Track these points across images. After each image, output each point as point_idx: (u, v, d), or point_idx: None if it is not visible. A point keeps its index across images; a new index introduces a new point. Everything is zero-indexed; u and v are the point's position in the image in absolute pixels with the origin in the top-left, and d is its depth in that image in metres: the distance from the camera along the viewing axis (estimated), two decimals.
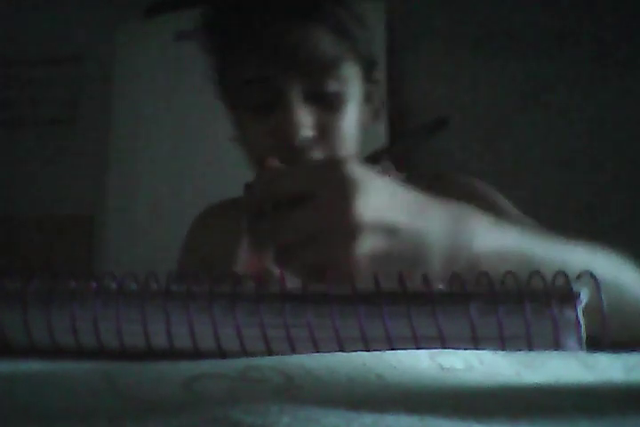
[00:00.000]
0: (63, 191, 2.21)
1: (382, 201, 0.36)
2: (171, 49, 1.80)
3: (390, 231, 0.36)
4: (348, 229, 0.34)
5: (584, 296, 0.30)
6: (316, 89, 0.62)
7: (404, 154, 1.81)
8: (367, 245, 0.35)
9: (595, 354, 0.29)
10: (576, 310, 0.30)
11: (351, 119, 0.65)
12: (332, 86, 0.62)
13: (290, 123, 0.60)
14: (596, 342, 0.30)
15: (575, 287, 0.30)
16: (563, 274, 0.32)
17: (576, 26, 1.95)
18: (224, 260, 0.72)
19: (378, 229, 0.35)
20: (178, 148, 1.80)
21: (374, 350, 0.28)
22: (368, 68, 0.69)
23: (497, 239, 0.39)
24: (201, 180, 1.69)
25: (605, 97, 1.92)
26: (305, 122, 0.61)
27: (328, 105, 0.63)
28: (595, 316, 0.30)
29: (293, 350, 0.30)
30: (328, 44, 0.62)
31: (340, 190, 0.35)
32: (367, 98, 0.70)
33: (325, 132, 0.62)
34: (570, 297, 0.30)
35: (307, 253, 0.35)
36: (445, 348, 0.29)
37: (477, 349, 0.29)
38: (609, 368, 0.27)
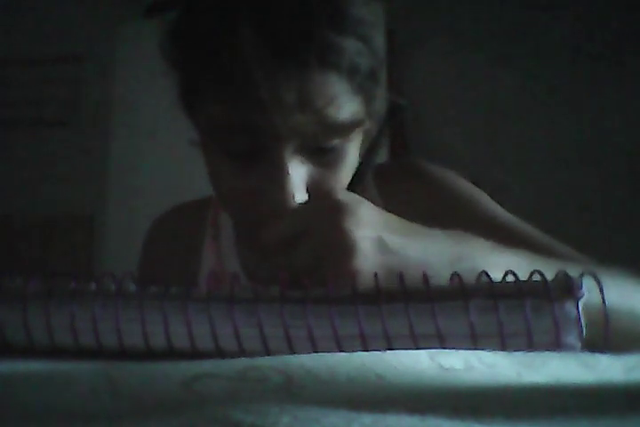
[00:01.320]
0: (63, 191, 2.21)
1: (373, 223, 0.37)
2: None
3: (384, 250, 0.36)
4: (344, 244, 0.35)
5: (584, 291, 0.30)
6: (313, 145, 0.48)
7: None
8: (366, 261, 0.35)
9: (595, 354, 0.29)
10: (577, 304, 0.30)
11: (348, 174, 0.52)
12: (335, 143, 0.48)
13: (281, 189, 0.46)
14: (598, 346, 0.30)
15: (575, 282, 0.30)
16: (563, 272, 0.32)
17: (576, 26, 1.95)
18: (185, 262, 0.71)
19: (372, 249, 0.36)
20: (178, 148, 1.80)
21: (373, 349, 0.28)
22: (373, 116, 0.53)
23: (498, 265, 0.36)
24: (201, 180, 1.68)
25: (605, 97, 1.92)
26: (299, 185, 0.47)
27: (326, 162, 0.49)
28: (596, 319, 0.30)
29: (292, 350, 0.30)
30: (345, 102, 0.47)
31: (334, 215, 0.37)
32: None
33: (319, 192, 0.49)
34: (570, 292, 0.30)
35: (315, 276, 0.36)
36: (445, 346, 0.29)
37: (477, 346, 0.29)
38: (609, 368, 0.27)
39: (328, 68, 0.45)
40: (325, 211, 0.38)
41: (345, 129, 0.48)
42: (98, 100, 2.16)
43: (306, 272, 0.37)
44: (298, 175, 0.47)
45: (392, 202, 0.53)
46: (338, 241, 0.36)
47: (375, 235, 0.37)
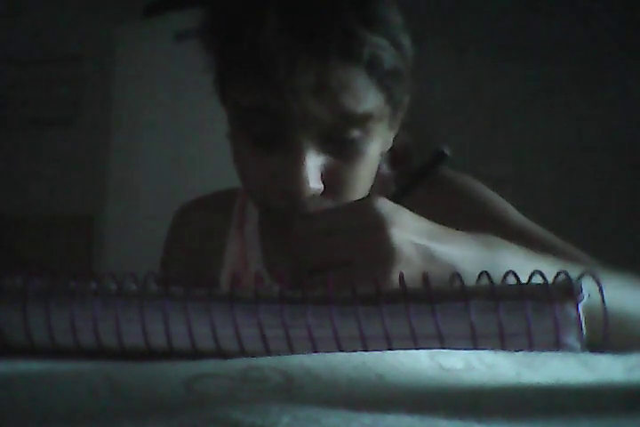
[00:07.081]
0: (63, 191, 2.21)
1: (414, 231, 0.37)
2: (171, 49, 1.80)
3: (425, 257, 0.37)
4: (385, 258, 0.36)
5: (585, 293, 0.30)
6: (332, 136, 0.49)
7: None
8: (408, 268, 0.36)
9: (595, 354, 0.29)
10: (577, 306, 0.30)
11: (367, 170, 0.53)
12: (354, 135, 0.49)
13: (296, 174, 0.48)
14: (597, 346, 0.30)
15: (576, 284, 0.30)
16: (563, 273, 0.32)
17: (576, 28, 1.95)
18: (208, 257, 0.71)
19: (413, 256, 0.36)
20: (178, 148, 1.80)
21: (373, 350, 0.28)
22: (396, 113, 0.55)
23: (529, 269, 0.36)
24: (201, 179, 1.68)
25: (605, 98, 1.92)
26: (314, 174, 0.48)
27: (344, 154, 0.50)
28: (596, 319, 0.30)
29: (292, 350, 0.30)
30: (363, 95, 0.48)
31: (374, 223, 0.37)
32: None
33: (335, 184, 0.50)
34: (571, 294, 0.30)
35: (340, 277, 0.36)
36: (445, 346, 0.29)
37: (477, 346, 0.29)
38: (609, 368, 0.27)
39: (348, 58, 0.47)
40: (367, 217, 0.37)
41: (361, 121, 0.48)
42: (98, 100, 2.16)
43: (323, 270, 0.37)
44: (314, 164, 0.49)
45: (421, 212, 0.53)
46: (380, 248, 0.36)
47: (419, 242, 0.37)
